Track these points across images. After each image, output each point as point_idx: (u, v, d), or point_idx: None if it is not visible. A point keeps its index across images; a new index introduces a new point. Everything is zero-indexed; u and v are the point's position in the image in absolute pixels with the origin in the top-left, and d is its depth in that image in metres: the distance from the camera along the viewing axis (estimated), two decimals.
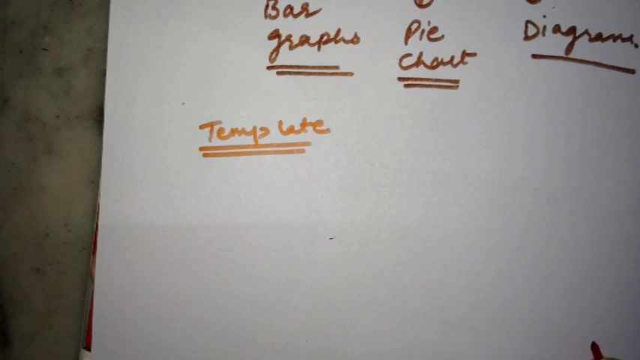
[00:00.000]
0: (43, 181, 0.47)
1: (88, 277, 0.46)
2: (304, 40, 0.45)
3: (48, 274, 0.47)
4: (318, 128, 0.45)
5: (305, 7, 0.45)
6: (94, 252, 0.45)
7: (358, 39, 0.45)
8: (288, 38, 0.45)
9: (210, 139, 0.45)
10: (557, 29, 0.45)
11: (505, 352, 0.43)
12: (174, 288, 0.44)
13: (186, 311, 0.44)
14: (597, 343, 0.37)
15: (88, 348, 0.45)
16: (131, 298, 0.44)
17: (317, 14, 0.45)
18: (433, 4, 0.45)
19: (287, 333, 0.44)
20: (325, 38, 0.45)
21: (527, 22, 0.45)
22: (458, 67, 0.44)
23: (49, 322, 0.47)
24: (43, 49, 0.48)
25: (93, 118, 0.47)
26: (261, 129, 0.45)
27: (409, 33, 0.45)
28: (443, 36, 0.45)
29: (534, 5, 0.45)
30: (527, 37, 0.45)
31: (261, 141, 0.45)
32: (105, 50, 0.46)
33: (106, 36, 0.46)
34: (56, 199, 0.47)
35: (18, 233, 0.47)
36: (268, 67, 0.45)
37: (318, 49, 0.45)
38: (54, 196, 0.47)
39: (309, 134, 0.45)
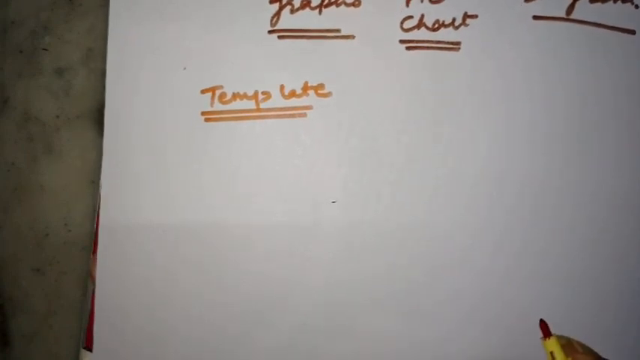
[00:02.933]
0: (43, 181, 0.47)
1: (88, 277, 0.45)
2: (305, 3, 0.45)
3: (48, 274, 0.47)
4: (319, 92, 0.45)
5: None
6: (94, 252, 0.45)
7: (359, 2, 0.45)
8: (290, 2, 0.45)
9: (212, 104, 0.45)
10: None
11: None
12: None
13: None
14: (545, 320, 0.37)
15: (88, 348, 0.44)
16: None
17: None
18: None
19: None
20: (326, 1, 0.45)
21: None
22: (459, 29, 0.45)
23: (49, 322, 0.47)
24: (43, 49, 0.48)
25: (93, 118, 0.47)
26: (263, 93, 0.45)
27: None
28: None
29: None
30: None
31: (262, 105, 0.45)
32: (105, 50, 0.46)
33: (106, 36, 0.46)
34: (56, 199, 0.47)
35: (18, 233, 0.47)
36: (269, 32, 0.45)
37: (320, 12, 0.45)
38: (54, 196, 0.47)
39: (311, 98, 0.45)
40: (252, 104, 0.45)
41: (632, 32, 0.44)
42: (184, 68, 0.45)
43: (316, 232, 0.44)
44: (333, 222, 0.44)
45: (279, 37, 0.45)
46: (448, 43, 0.45)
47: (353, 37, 0.45)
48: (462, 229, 0.44)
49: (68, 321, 0.47)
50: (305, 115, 0.45)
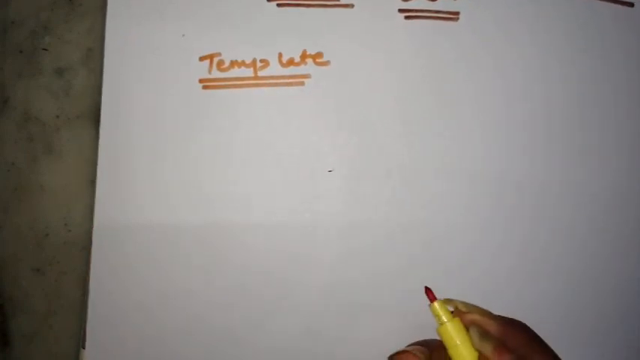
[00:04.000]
0: (43, 181, 0.47)
1: (88, 276, 0.45)
2: None
3: (48, 274, 0.47)
4: (317, 60, 0.45)
5: None
6: None
7: None
8: None
9: (209, 71, 0.45)
10: None
11: None
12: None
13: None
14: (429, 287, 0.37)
15: None
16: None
17: None
18: None
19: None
20: None
21: None
22: None
23: (49, 322, 0.46)
24: (43, 49, 0.48)
25: (93, 118, 0.47)
26: (261, 61, 0.45)
27: None
28: None
29: None
30: None
31: (260, 73, 0.45)
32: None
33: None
34: (56, 199, 0.47)
35: (18, 233, 0.47)
36: None
37: None
38: (54, 196, 0.47)
39: (309, 66, 0.45)
40: (250, 72, 0.45)
41: (631, 5, 0.44)
42: (183, 35, 0.45)
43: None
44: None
45: (278, 5, 0.45)
46: (447, 12, 0.45)
47: (352, 5, 0.45)
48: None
49: (68, 321, 0.46)
50: (302, 83, 0.45)
